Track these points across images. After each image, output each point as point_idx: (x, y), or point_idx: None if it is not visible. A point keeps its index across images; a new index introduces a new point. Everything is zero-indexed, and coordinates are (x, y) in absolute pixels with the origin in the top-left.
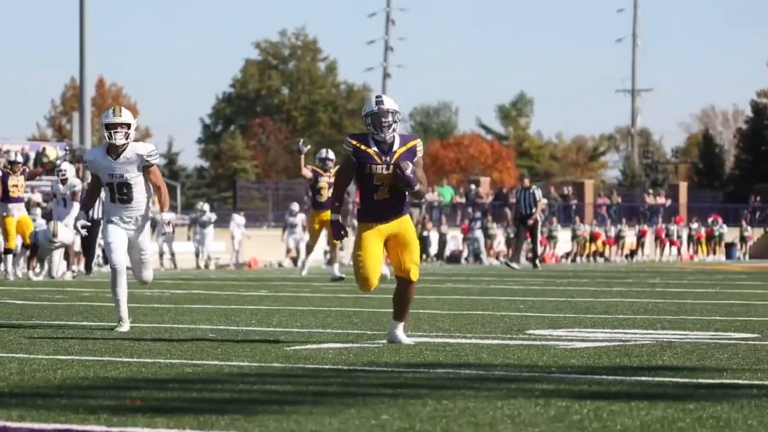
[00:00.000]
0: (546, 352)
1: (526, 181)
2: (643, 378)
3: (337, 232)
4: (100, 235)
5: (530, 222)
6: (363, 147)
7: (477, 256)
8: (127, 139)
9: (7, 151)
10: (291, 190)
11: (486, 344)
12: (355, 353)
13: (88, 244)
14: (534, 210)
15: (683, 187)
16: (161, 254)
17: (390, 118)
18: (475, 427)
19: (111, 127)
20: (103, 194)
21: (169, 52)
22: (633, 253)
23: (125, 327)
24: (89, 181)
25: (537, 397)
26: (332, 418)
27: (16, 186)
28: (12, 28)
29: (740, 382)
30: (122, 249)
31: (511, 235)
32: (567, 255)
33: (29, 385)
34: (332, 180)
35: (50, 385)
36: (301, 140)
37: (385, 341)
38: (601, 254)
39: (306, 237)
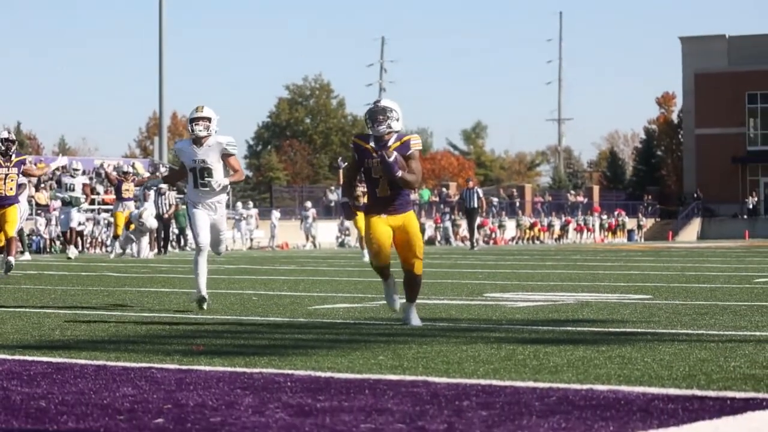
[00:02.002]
0: (498, 309)
1: (470, 183)
2: (569, 328)
3: (347, 213)
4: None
5: (474, 214)
6: (363, 144)
7: (447, 240)
8: (208, 131)
9: (117, 164)
10: (312, 192)
11: (454, 304)
12: (359, 311)
13: (162, 231)
14: (477, 204)
15: (596, 189)
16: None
17: (384, 115)
18: (447, 365)
19: (194, 121)
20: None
21: (223, 92)
22: (560, 237)
23: (202, 295)
24: (179, 166)
25: (492, 342)
26: (342, 358)
27: (128, 190)
28: (112, 75)
29: (639, 330)
30: (206, 230)
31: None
32: (512, 239)
33: (122, 335)
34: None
35: (137, 335)
36: (340, 158)
37: (381, 302)
38: (537, 238)
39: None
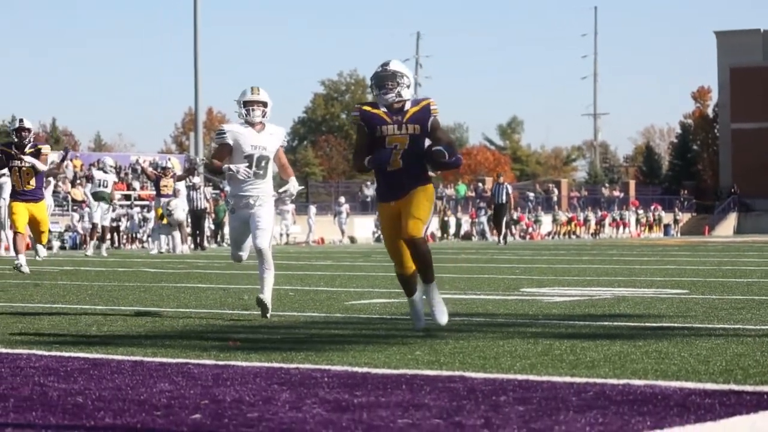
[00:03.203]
0: (534, 304)
1: (501, 179)
2: (605, 323)
3: (382, 162)
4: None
5: (506, 209)
6: (373, 110)
7: (483, 235)
8: (263, 117)
9: (153, 161)
10: (347, 188)
11: (491, 299)
12: (396, 306)
13: (198, 226)
14: (506, 200)
15: (632, 184)
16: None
17: (394, 80)
18: (484, 360)
19: (249, 104)
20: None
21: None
22: (596, 232)
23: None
24: (215, 149)
25: (528, 337)
26: (379, 353)
27: (166, 186)
28: (147, 71)
29: (675, 325)
30: (243, 242)
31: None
32: (549, 234)
33: (159, 331)
34: None
35: (174, 331)
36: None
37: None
38: (573, 233)
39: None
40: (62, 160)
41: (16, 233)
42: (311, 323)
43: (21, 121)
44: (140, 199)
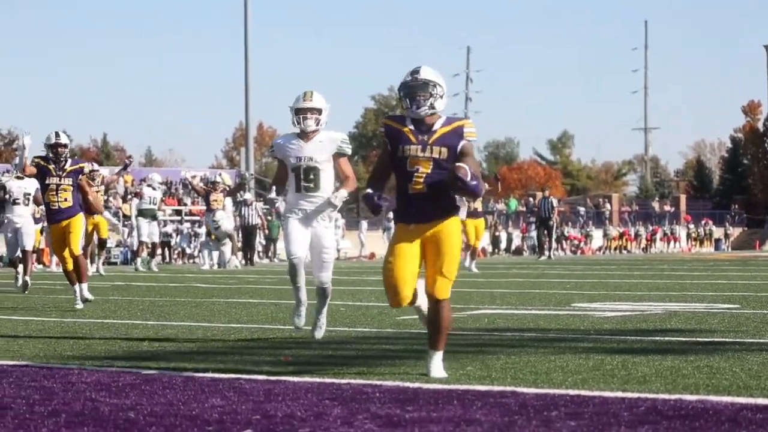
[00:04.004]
0: (586, 319)
1: (546, 193)
2: (657, 338)
3: (372, 206)
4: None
5: (550, 223)
6: (397, 126)
7: (534, 250)
8: (318, 125)
9: (204, 176)
10: None
11: (542, 314)
12: (444, 351)
13: (249, 241)
14: (552, 214)
15: (683, 198)
16: None
17: (426, 91)
18: (535, 375)
19: (301, 112)
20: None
21: None
22: (647, 246)
23: (302, 315)
24: (277, 168)
25: (580, 352)
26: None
27: (216, 200)
28: (198, 86)
29: (726, 340)
30: (301, 241)
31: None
32: (599, 248)
33: (210, 346)
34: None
35: (225, 346)
36: None
37: (469, 312)
38: (624, 247)
39: None
40: (123, 168)
41: (66, 271)
42: (362, 338)
43: (57, 135)
44: (191, 214)
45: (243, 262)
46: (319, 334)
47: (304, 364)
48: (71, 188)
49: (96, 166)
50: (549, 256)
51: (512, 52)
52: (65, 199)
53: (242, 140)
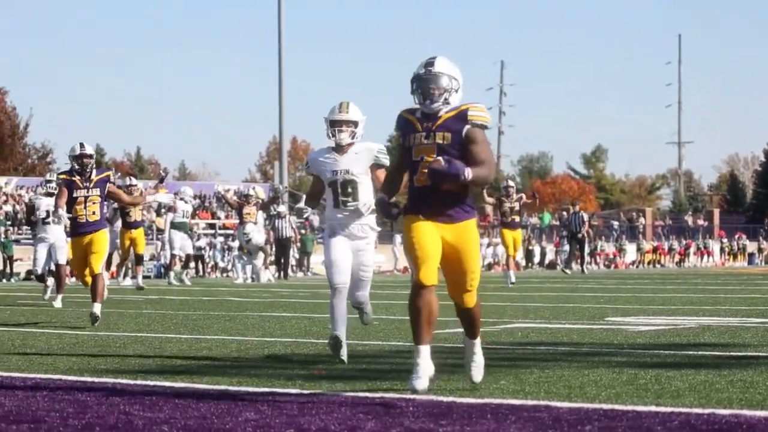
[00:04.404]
0: (619, 333)
1: (577, 207)
2: (690, 352)
3: (385, 211)
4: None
5: (579, 236)
6: (407, 116)
7: (567, 264)
8: (353, 138)
9: (237, 189)
10: None
11: (576, 328)
12: (481, 335)
13: (283, 254)
14: (582, 228)
15: (716, 212)
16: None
17: (438, 85)
18: (569, 389)
19: (336, 124)
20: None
21: None
22: (681, 260)
23: (342, 337)
24: (312, 183)
25: (613, 366)
26: (464, 383)
27: (249, 214)
28: (232, 100)
29: (761, 354)
30: (344, 267)
31: (566, 247)
32: (633, 262)
33: (244, 360)
34: (513, 204)
35: (259, 360)
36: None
37: (502, 326)
38: (658, 262)
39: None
40: (160, 181)
41: (86, 285)
42: (396, 352)
43: (82, 146)
44: (224, 227)
45: (277, 275)
46: (368, 318)
47: (338, 377)
48: (99, 199)
49: (134, 181)
50: (582, 270)
51: (546, 67)
52: (93, 213)
53: (276, 154)
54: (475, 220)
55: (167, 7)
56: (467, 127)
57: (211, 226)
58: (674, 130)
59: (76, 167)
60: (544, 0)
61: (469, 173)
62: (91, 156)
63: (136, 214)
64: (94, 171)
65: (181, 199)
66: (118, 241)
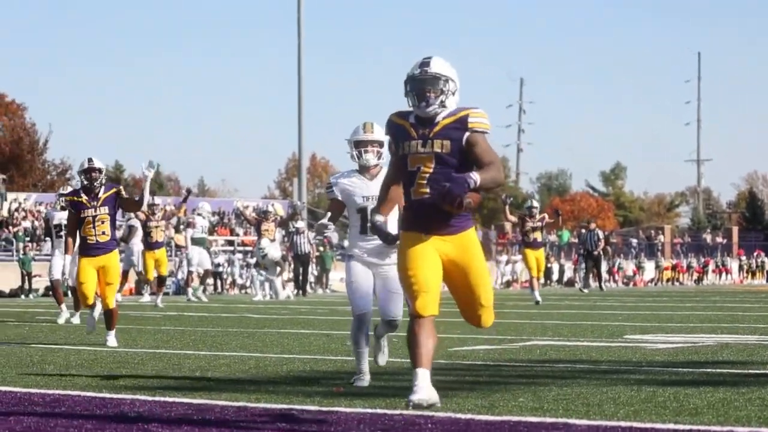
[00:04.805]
0: (638, 351)
1: (592, 225)
2: (708, 370)
3: (382, 236)
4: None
5: (595, 254)
6: (400, 121)
7: (585, 283)
8: (379, 158)
9: (257, 206)
10: None
11: (594, 346)
12: (499, 353)
13: (302, 271)
14: (598, 246)
15: (735, 230)
16: None
17: (435, 87)
18: (587, 407)
19: (361, 144)
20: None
21: None
22: (699, 278)
23: (365, 381)
24: (328, 205)
25: (632, 384)
26: (483, 400)
27: (267, 230)
28: (251, 117)
29: None
30: (367, 293)
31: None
32: (651, 280)
33: (263, 376)
34: (536, 224)
35: (278, 376)
36: (505, 194)
37: (521, 343)
38: (677, 279)
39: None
40: (184, 200)
41: (87, 306)
42: None
43: (90, 161)
44: (243, 244)
45: (295, 292)
46: (383, 360)
47: (357, 395)
48: (108, 218)
49: (157, 200)
50: (600, 287)
51: (565, 84)
52: (103, 233)
53: (295, 171)
54: (473, 229)
55: (187, 26)
56: (468, 134)
57: (230, 242)
58: (693, 147)
59: (85, 182)
60: (563, 18)
61: (477, 178)
62: (100, 170)
63: (157, 235)
64: (103, 188)
65: (199, 214)
66: (133, 258)
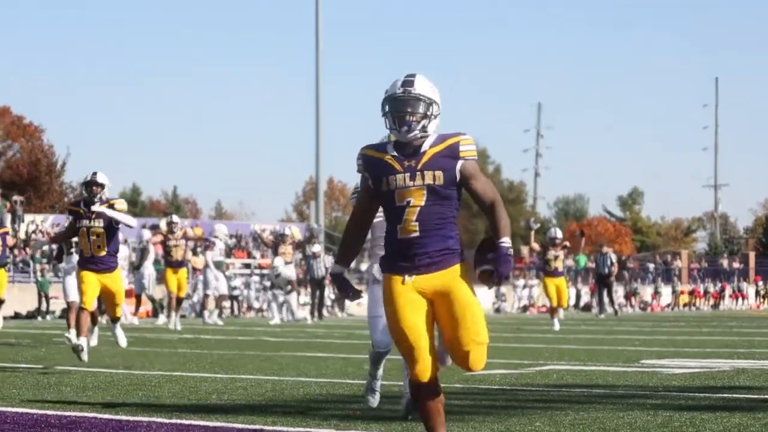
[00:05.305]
0: (654, 376)
1: (604, 249)
2: (725, 395)
3: (342, 291)
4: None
5: (609, 280)
6: (377, 155)
7: (600, 308)
8: None
9: (274, 229)
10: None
11: (611, 370)
12: (516, 377)
13: (318, 294)
14: (610, 270)
15: (752, 255)
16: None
17: (415, 110)
18: (603, 431)
19: None
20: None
21: None
22: (716, 303)
23: (375, 401)
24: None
25: (648, 409)
26: (499, 424)
27: (284, 253)
28: (269, 140)
29: None
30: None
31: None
32: (668, 305)
33: (279, 400)
34: (558, 253)
35: (294, 400)
36: (533, 218)
37: (538, 368)
38: (693, 304)
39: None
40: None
41: (80, 309)
42: None
43: (94, 174)
44: (260, 267)
45: (313, 316)
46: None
47: (373, 418)
48: (103, 232)
49: (176, 219)
50: (615, 312)
51: (582, 109)
52: (98, 246)
53: (312, 194)
54: (467, 262)
55: (204, 47)
56: (461, 163)
57: (247, 265)
58: (710, 173)
59: (85, 194)
60: (581, 43)
61: (509, 244)
62: (101, 185)
63: (177, 254)
64: (99, 202)
65: (215, 236)
66: (144, 281)
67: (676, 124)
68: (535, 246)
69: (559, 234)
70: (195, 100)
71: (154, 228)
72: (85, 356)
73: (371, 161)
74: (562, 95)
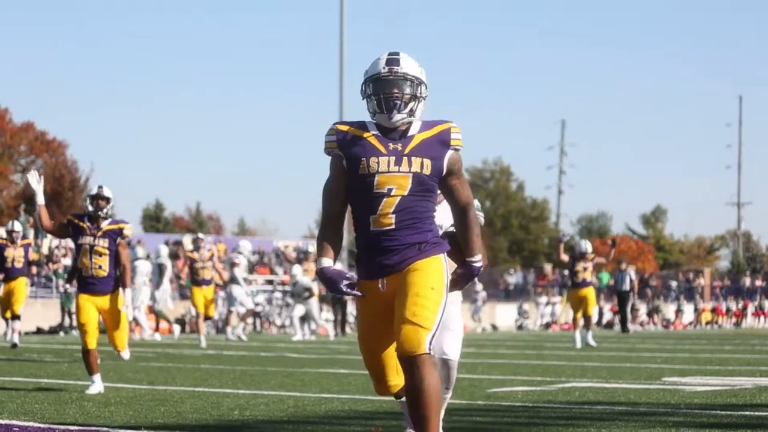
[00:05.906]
0: (676, 393)
1: (623, 265)
2: (747, 413)
3: (331, 286)
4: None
5: (625, 295)
6: (355, 132)
7: (624, 325)
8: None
9: (297, 246)
10: (490, 275)
11: (633, 388)
12: (538, 394)
13: (340, 310)
14: (630, 287)
15: None
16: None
17: (401, 90)
18: None
19: None
20: None
21: None
22: (738, 321)
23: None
24: None
25: (670, 426)
26: None
27: (307, 270)
28: (294, 159)
29: None
30: None
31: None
32: (690, 323)
33: (301, 416)
34: (587, 265)
35: (316, 416)
36: (563, 231)
37: (560, 385)
38: (715, 322)
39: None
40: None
41: (86, 351)
42: (453, 410)
43: (100, 188)
44: (283, 284)
45: (336, 332)
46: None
47: None
48: (107, 253)
49: (201, 235)
50: (622, 329)
51: (606, 127)
52: (99, 267)
53: None
54: (441, 257)
55: (225, 64)
56: (450, 153)
57: (270, 282)
58: (734, 191)
59: (90, 208)
60: (605, 61)
61: (481, 267)
62: (107, 200)
63: (205, 274)
64: (108, 220)
65: (240, 252)
66: (157, 294)
67: (699, 142)
68: (564, 256)
69: (590, 247)
70: (219, 116)
71: (178, 245)
72: (100, 388)
73: (348, 138)
74: (585, 113)
